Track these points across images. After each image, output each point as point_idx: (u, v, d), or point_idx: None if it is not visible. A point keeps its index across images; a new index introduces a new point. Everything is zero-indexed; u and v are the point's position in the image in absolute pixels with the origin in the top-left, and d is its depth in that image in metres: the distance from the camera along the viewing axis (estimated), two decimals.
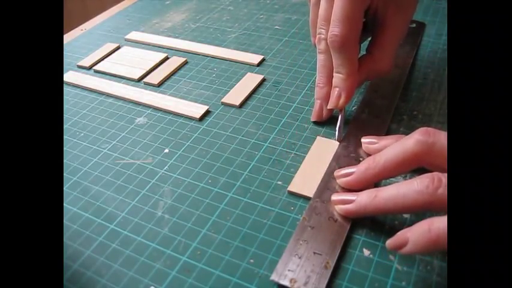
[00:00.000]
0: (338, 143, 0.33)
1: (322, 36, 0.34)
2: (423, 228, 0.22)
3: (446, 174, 0.23)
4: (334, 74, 0.33)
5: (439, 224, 0.22)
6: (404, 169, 0.27)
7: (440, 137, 0.25)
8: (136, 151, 0.35)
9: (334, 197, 0.28)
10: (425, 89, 0.38)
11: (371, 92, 0.38)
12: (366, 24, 0.35)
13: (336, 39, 0.31)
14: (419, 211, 0.24)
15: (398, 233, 0.24)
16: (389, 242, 0.24)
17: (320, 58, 0.35)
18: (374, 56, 0.34)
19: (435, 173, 0.23)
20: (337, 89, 0.33)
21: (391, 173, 0.27)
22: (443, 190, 0.23)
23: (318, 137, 0.34)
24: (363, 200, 0.26)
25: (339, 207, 0.27)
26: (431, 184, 0.23)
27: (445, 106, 0.36)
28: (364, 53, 0.35)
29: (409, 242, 0.23)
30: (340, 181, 0.29)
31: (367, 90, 0.38)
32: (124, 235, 0.28)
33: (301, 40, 0.48)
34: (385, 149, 0.27)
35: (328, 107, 0.34)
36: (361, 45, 0.35)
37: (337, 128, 0.34)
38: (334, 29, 0.31)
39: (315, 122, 0.36)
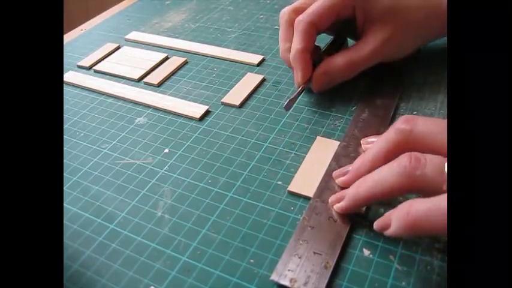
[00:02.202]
0: (338, 143, 0.33)
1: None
2: (402, 211, 0.23)
3: (425, 155, 0.23)
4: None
5: (417, 207, 0.22)
6: (390, 160, 0.26)
7: (418, 122, 0.25)
8: (136, 151, 0.35)
9: (331, 199, 0.28)
10: (425, 89, 0.38)
11: (371, 92, 0.38)
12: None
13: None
14: (404, 194, 0.24)
15: (385, 214, 0.24)
16: (376, 223, 0.25)
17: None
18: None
19: (413, 153, 0.23)
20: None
21: (381, 166, 0.27)
22: (421, 171, 0.23)
23: (318, 137, 0.34)
24: (351, 192, 0.27)
25: (335, 207, 0.28)
26: (408, 164, 0.23)
27: (445, 106, 0.36)
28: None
29: (391, 224, 0.23)
30: (338, 180, 0.29)
31: (367, 90, 0.38)
32: (124, 235, 0.28)
33: None
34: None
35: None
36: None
37: (290, 97, 0.36)
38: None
39: (315, 123, 0.36)
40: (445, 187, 0.22)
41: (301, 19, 0.36)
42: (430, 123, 0.25)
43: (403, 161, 0.23)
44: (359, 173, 0.28)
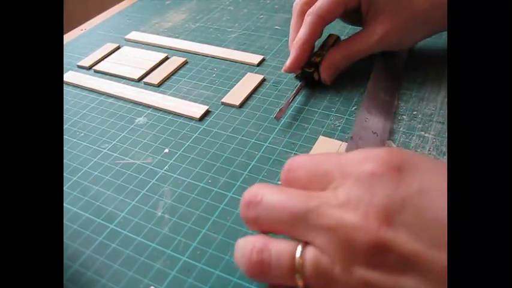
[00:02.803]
0: (341, 143, 0.33)
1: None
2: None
3: (270, 245, 0.20)
4: None
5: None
6: None
7: (262, 201, 0.21)
8: (136, 151, 0.35)
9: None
10: (425, 89, 0.38)
11: (372, 92, 0.38)
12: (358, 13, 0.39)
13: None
14: None
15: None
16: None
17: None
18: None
19: (257, 243, 0.20)
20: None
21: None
22: (265, 272, 0.20)
23: (321, 137, 0.34)
24: None
25: None
26: (249, 261, 0.20)
27: (445, 106, 0.36)
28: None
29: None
30: None
31: (369, 90, 0.38)
32: (124, 235, 0.28)
33: None
34: None
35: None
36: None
37: (280, 107, 0.36)
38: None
39: (315, 123, 0.36)
40: (300, 283, 0.19)
41: (312, 11, 0.38)
42: (278, 197, 0.20)
43: (246, 253, 0.20)
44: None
